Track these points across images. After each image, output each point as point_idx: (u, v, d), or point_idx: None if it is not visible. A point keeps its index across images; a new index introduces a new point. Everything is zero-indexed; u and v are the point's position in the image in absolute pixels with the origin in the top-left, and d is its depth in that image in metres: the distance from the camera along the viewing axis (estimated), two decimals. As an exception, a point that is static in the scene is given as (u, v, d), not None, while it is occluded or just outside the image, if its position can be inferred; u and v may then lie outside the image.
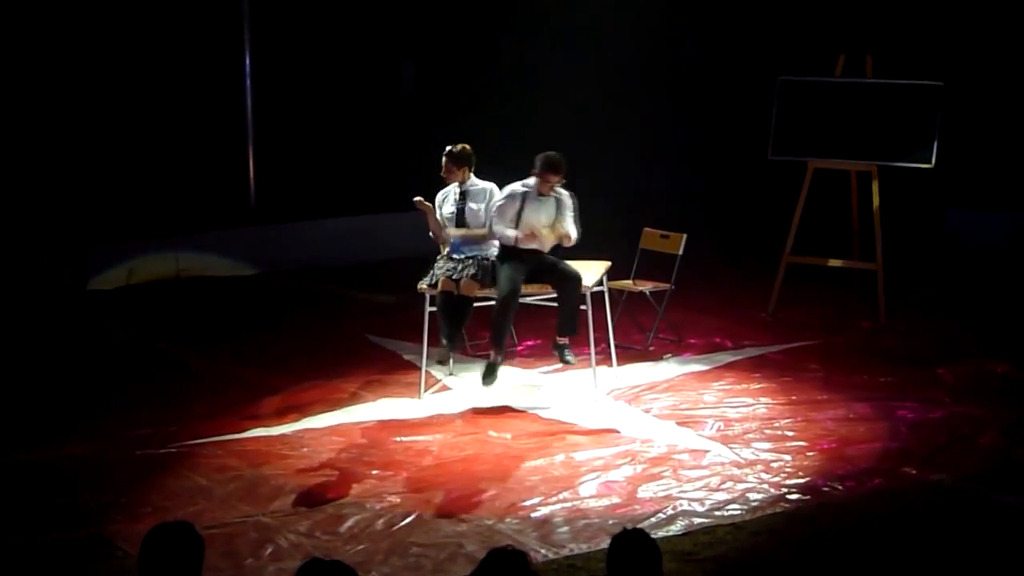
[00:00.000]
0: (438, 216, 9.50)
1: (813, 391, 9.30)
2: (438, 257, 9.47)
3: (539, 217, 9.18)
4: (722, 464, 7.90)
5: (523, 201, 9.18)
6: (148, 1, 14.31)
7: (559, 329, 9.19)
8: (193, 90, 14.70)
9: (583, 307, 9.20)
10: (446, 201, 9.52)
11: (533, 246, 9.15)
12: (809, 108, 11.43)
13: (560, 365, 9.62)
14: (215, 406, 9.09)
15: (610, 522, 7.04)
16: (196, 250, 13.10)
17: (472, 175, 9.49)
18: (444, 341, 9.23)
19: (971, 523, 7.07)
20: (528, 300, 9.43)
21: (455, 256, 9.32)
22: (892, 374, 9.67)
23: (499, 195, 9.30)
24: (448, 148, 9.49)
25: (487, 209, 9.36)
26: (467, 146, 9.49)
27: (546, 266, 9.18)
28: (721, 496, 7.42)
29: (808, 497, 7.42)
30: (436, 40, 16.58)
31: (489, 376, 9.09)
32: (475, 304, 9.24)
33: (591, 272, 9.44)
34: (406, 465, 8.00)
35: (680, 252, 10.54)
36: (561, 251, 9.36)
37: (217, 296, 12.49)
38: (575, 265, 9.29)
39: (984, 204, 13.67)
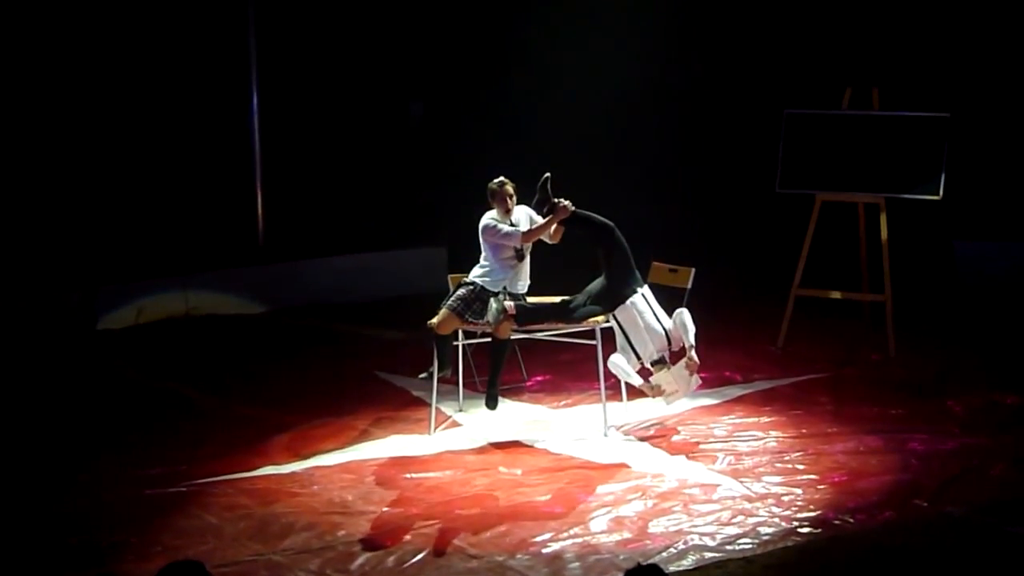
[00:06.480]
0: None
1: (823, 424, 9.28)
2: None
3: None
4: (733, 498, 7.88)
5: None
6: (156, 40, 14.35)
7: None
8: (201, 128, 14.73)
9: (592, 342, 9.21)
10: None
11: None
12: (816, 141, 11.45)
13: (569, 400, 9.70)
14: (225, 444, 9.09)
15: (621, 557, 7.02)
16: (205, 288, 13.12)
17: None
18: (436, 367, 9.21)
19: (983, 556, 7.04)
20: (538, 336, 9.45)
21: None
22: (902, 406, 9.64)
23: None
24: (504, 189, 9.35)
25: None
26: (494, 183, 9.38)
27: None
28: (732, 530, 7.40)
29: (819, 530, 7.39)
30: (443, 78, 16.62)
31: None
32: (480, 339, 9.29)
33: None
34: (416, 502, 7.98)
35: (689, 286, 10.49)
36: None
37: (227, 334, 12.50)
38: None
39: (992, 235, 13.65)
